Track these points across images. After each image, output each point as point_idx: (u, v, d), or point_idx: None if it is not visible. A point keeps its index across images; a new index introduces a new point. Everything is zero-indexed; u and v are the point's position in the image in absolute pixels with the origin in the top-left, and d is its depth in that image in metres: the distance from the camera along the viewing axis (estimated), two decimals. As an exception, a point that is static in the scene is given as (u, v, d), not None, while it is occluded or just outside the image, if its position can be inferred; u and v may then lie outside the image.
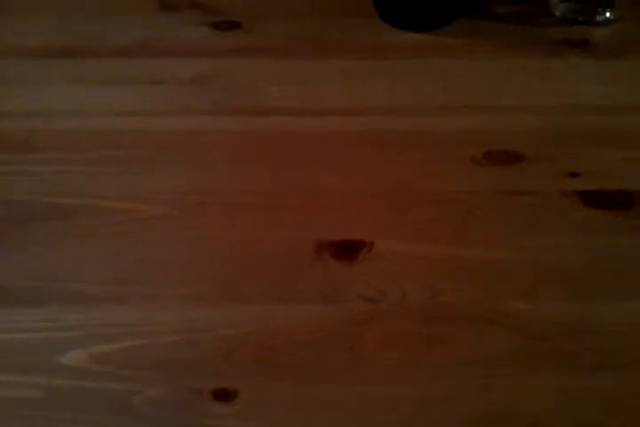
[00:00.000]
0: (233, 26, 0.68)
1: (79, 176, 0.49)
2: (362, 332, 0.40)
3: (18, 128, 0.53)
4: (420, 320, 0.41)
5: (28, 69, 0.60)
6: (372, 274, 0.43)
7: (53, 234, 0.44)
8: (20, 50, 0.62)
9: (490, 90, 0.60)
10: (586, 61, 0.65)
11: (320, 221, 0.46)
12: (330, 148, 0.53)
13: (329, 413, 0.37)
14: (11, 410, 0.36)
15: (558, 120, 0.57)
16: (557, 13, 0.71)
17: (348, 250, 0.44)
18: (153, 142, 0.52)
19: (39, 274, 0.42)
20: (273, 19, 0.69)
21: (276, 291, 0.42)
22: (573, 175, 0.51)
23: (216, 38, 0.66)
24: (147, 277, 0.42)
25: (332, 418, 0.37)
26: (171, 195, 0.48)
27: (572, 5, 0.71)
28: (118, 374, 0.37)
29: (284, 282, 0.42)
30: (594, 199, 0.49)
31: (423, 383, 0.38)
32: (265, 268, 0.43)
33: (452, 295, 0.42)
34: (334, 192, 0.49)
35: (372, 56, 0.63)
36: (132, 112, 0.55)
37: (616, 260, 0.45)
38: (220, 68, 0.61)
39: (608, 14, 0.70)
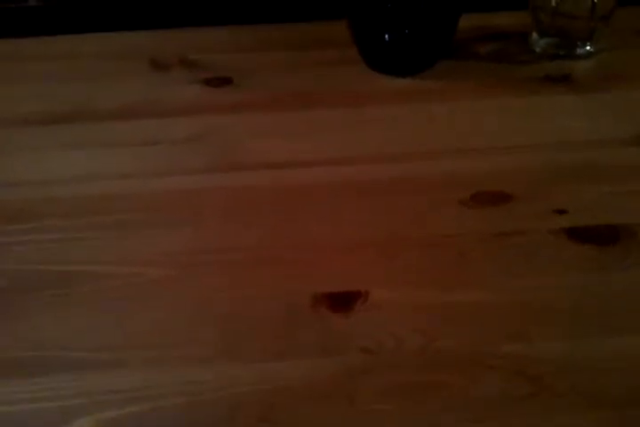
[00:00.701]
0: (224, 82, 0.70)
1: (77, 243, 0.50)
2: (361, 384, 0.41)
3: (14, 197, 0.55)
4: (416, 369, 0.42)
5: (21, 137, 0.62)
6: (368, 324, 0.44)
7: (53, 302, 0.46)
8: (14, 117, 0.64)
9: (474, 131, 0.61)
10: (569, 96, 0.66)
11: (314, 273, 0.48)
12: (319, 198, 0.54)
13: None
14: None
15: (544, 158, 0.58)
16: (538, 49, 0.73)
17: (343, 301, 0.45)
18: (149, 204, 0.54)
19: (41, 343, 0.43)
20: (263, 73, 0.71)
21: (275, 347, 0.43)
22: (560, 212, 0.53)
23: (207, 95, 0.68)
24: (147, 340, 0.43)
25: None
26: (167, 256, 0.49)
27: (552, 40, 0.73)
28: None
29: (283, 338, 0.43)
30: (581, 236, 0.50)
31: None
32: (264, 324, 0.44)
33: (445, 341, 0.43)
34: (327, 243, 0.50)
35: (358, 104, 0.65)
36: (128, 175, 0.57)
37: (605, 296, 0.46)
38: (213, 126, 0.63)
39: (588, 47, 0.72)
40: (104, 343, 0.43)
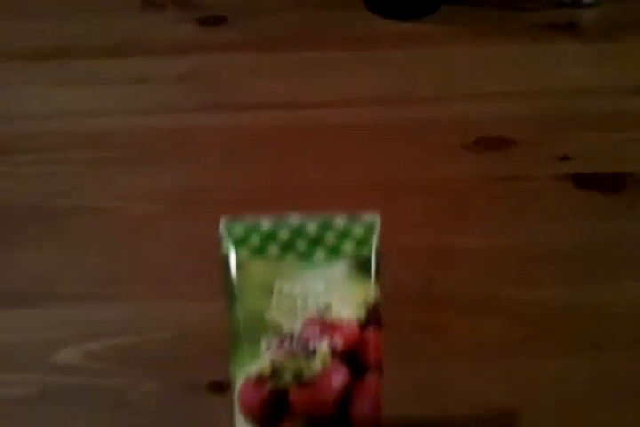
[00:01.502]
0: (218, 21, 0.67)
1: (66, 178, 0.48)
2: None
3: (1, 131, 0.53)
4: (413, 309, 0.40)
5: (11, 72, 0.60)
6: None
7: (42, 236, 0.44)
8: (3, 53, 0.62)
9: (478, 77, 0.59)
10: (574, 45, 0.64)
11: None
12: (318, 140, 0.52)
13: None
14: (7, 408, 0.36)
15: (547, 105, 0.57)
16: (543, -3, 0.71)
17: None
18: (140, 142, 0.52)
19: (29, 275, 0.42)
20: (259, 12, 0.69)
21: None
22: (564, 159, 0.51)
23: (201, 34, 0.65)
24: (138, 275, 0.42)
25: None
26: (159, 193, 0.47)
27: (558, -11, 0.70)
28: (112, 371, 0.37)
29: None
30: (585, 182, 0.49)
31: (418, 371, 0.37)
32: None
33: (445, 283, 0.42)
34: (324, 186, 0.48)
35: (359, 47, 0.63)
36: (118, 112, 0.55)
37: (607, 242, 0.45)
38: (206, 65, 0.61)
39: (594, -4, 0.70)
40: (91, 277, 0.42)
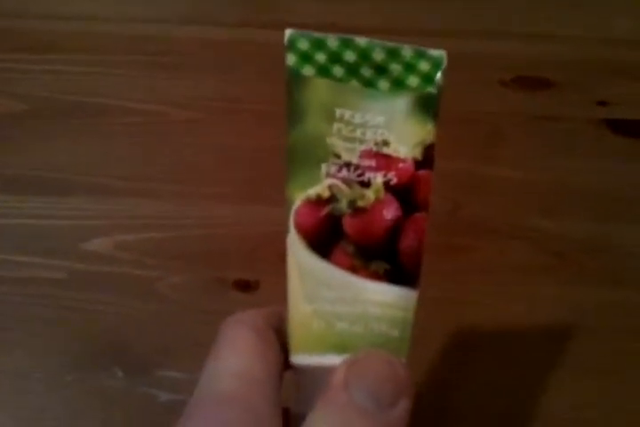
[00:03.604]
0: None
1: (106, 78, 0.48)
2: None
3: (43, 29, 0.52)
4: (440, 231, 0.41)
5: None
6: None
7: (80, 130, 0.44)
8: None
9: (519, 17, 0.59)
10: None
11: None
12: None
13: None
14: (37, 289, 0.36)
15: (588, 50, 0.56)
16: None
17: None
18: (181, 50, 0.52)
19: (65, 166, 0.42)
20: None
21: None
22: (602, 104, 0.51)
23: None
24: (174, 175, 0.42)
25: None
26: (199, 100, 0.47)
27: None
28: (142, 262, 0.38)
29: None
30: (620, 128, 0.49)
31: (443, 286, 0.38)
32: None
33: (473, 209, 0.42)
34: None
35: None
36: (161, 20, 0.54)
37: (637, 185, 0.45)
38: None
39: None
40: (128, 173, 0.42)
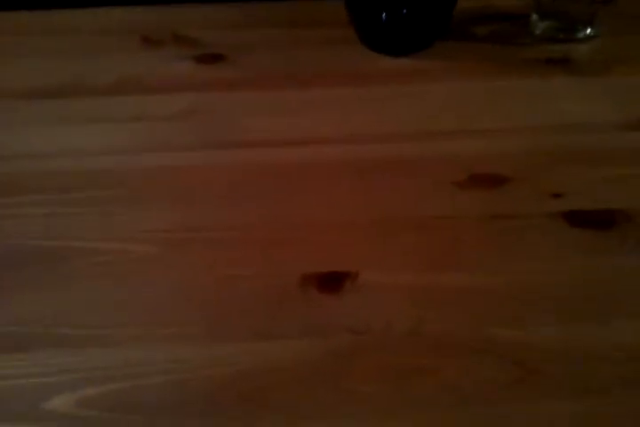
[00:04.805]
0: (217, 58, 0.69)
1: (65, 218, 0.49)
2: (348, 366, 0.40)
3: (3, 170, 0.54)
4: (405, 351, 0.41)
5: (10, 112, 0.61)
6: (356, 305, 0.43)
7: (38, 278, 0.45)
8: (5, 91, 0.63)
9: (472, 113, 0.60)
10: (568, 79, 0.65)
11: (305, 253, 0.47)
12: (313, 178, 0.53)
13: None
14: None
15: (541, 140, 0.57)
16: (538, 32, 0.72)
17: (332, 282, 0.44)
18: (138, 180, 0.53)
19: (24, 318, 0.42)
20: (256, 49, 0.70)
21: (261, 328, 0.42)
22: (557, 196, 0.52)
23: (200, 72, 0.67)
24: (133, 318, 0.42)
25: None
26: (156, 233, 0.48)
27: (552, 23, 0.71)
28: (104, 419, 0.37)
29: (270, 318, 0.42)
30: (578, 220, 0.49)
31: (412, 415, 0.38)
32: (251, 304, 0.43)
33: (436, 324, 0.42)
34: (319, 223, 0.49)
35: (354, 83, 0.64)
36: (118, 150, 0.56)
37: (602, 281, 0.45)
38: (204, 102, 0.62)
39: (589, 30, 0.71)
40: (87, 320, 0.42)
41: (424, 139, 0.57)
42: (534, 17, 0.72)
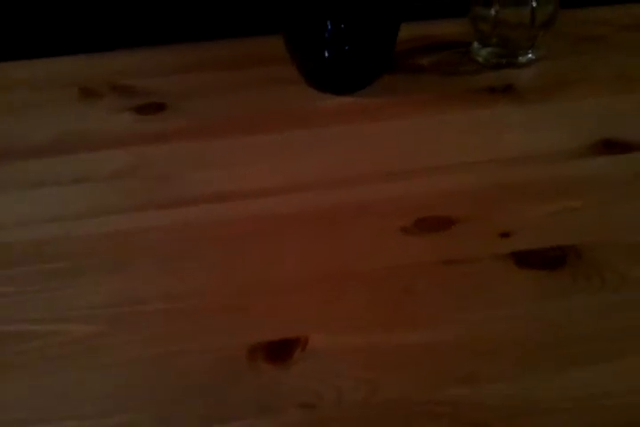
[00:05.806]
0: (157, 108, 0.67)
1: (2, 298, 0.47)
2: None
3: None
4: (358, 422, 0.39)
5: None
6: (307, 376, 0.42)
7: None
8: None
9: (415, 152, 0.59)
10: (511, 108, 0.65)
11: (251, 320, 0.45)
12: (258, 234, 0.52)
13: None
14: None
15: (486, 176, 0.56)
16: (480, 59, 0.72)
17: (281, 351, 0.43)
18: (77, 250, 0.51)
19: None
20: (197, 95, 0.69)
21: (210, 410, 0.40)
22: (504, 235, 0.51)
23: (141, 124, 0.65)
24: (74, 408, 0.40)
25: None
26: (93, 310, 0.46)
27: (494, 50, 0.71)
28: None
29: (219, 398, 0.41)
30: (526, 260, 0.49)
31: None
32: (198, 384, 0.41)
33: (390, 389, 0.41)
34: (263, 285, 0.48)
35: (297, 126, 0.63)
36: (54, 218, 0.54)
37: (555, 325, 0.44)
38: (146, 157, 0.60)
39: (530, 55, 0.71)
40: (17, 413, 0.40)
41: (368, 182, 0.56)
42: (475, 45, 0.71)
